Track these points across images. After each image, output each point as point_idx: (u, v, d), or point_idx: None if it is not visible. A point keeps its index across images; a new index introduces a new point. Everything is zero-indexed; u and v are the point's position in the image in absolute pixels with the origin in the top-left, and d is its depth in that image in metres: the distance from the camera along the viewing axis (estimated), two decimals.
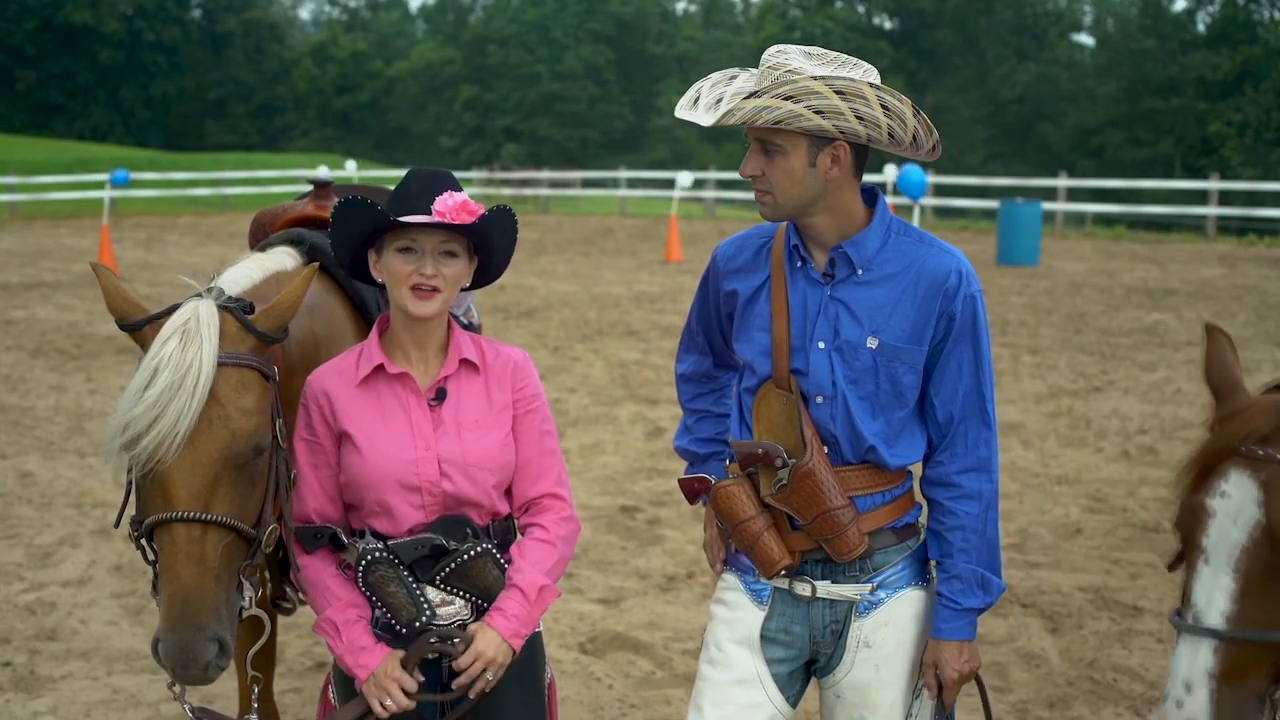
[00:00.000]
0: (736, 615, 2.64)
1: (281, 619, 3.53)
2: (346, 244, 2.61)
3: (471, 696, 2.55)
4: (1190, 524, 2.16)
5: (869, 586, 2.56)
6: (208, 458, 2.36)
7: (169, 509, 2.34)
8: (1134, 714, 4.54)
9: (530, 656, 2.71)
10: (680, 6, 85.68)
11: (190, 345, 2.36)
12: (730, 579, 2.69)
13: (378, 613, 2.61)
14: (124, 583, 5.82)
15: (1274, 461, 2.09)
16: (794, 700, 2.65)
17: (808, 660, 2.64)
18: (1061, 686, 4.76)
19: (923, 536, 2.64)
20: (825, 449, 2.51)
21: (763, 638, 2.61)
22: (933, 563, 2.64)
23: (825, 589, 2.56)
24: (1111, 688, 4.75)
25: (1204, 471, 2.17)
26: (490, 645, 2.54)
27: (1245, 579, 2.12)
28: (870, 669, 2.58)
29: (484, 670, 2.53)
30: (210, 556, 2.35)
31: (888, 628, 2.57)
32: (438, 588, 2.59)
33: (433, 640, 2.57)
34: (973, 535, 2.54)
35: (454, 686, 2.57)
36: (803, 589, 2.57)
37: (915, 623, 2.60)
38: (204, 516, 2.34)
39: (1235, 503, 2.13)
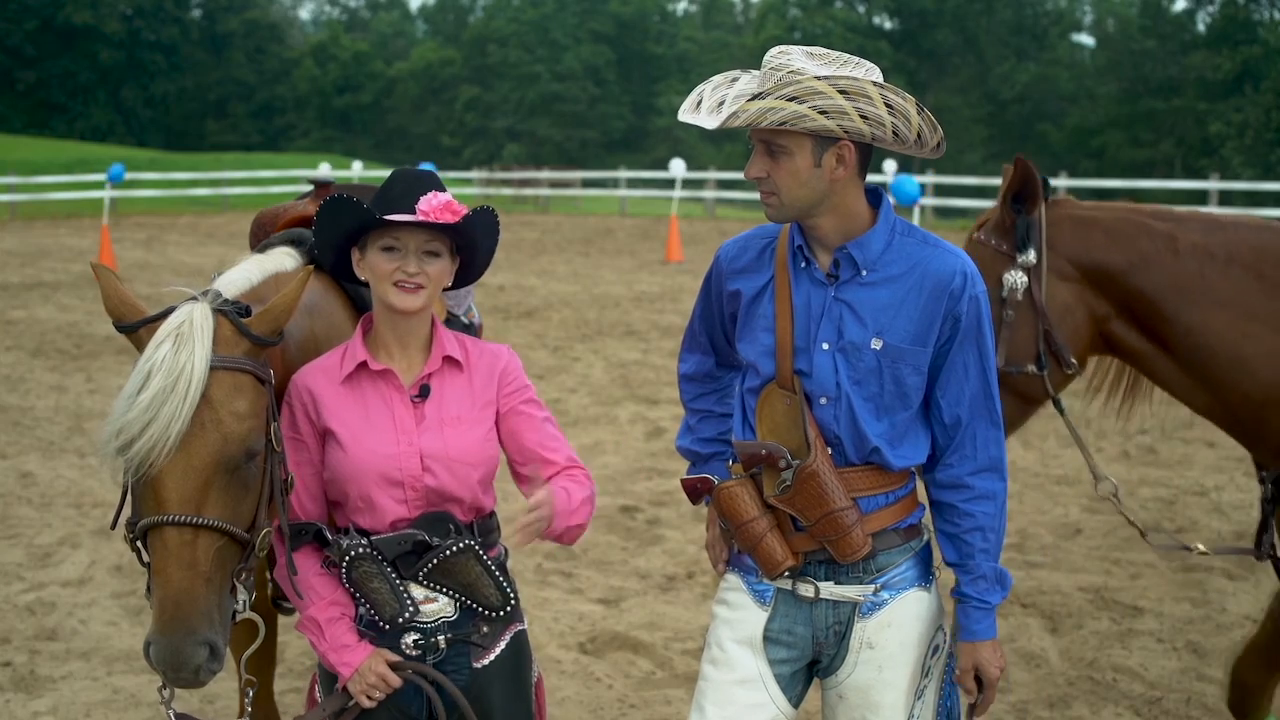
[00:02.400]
0: (739, 615, 2.63)
1: (281, 619, 3.52)
2: (331, 242, 2.64)
3: (524, 537, 2.47)
4: None
5: (872, 587, 2.56)
6: (200, 461, 2.35)
7: (161, 512, 2.33)
8: (1134, 714, 4.54)
9: (516, 655, 2.72)
10: (680, 6, 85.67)
11: (183, 349, 2.35)
12: (733, 579, 2.69)
13: (361, 610, 2.63)
14: (124, 583, 5.82)
15: (972, 240, 3.17)
16: (796, 701, 2.64)
17: (810, 661, 2.64)
18: (1061, 686, 4.75)
19: (926, 537, 2.63)
20: (829, 450, 2.50)
21: (765, 638, 2.60)
22: (941, 565, 2.64)
23: (829, 590, 2.56)
24: (1111, 688, 4.74)
25: None
26: (546, 495, 2.48)
27: None
28: (873, 670, 2.57)
29: (538, 518, 2.46)
30: (202, 560, 2.33)
31: (891, 629, 2.57)
32: (421, 584, 2.61)
33: (422, 671, 2.59)
34: (991, 535, 2.55)
35: (518, 526, 2.49)
36: (806, 590, 2.57)
37: (918, 623, 2.59)
38: (195, 520, 2.33)
39: None
